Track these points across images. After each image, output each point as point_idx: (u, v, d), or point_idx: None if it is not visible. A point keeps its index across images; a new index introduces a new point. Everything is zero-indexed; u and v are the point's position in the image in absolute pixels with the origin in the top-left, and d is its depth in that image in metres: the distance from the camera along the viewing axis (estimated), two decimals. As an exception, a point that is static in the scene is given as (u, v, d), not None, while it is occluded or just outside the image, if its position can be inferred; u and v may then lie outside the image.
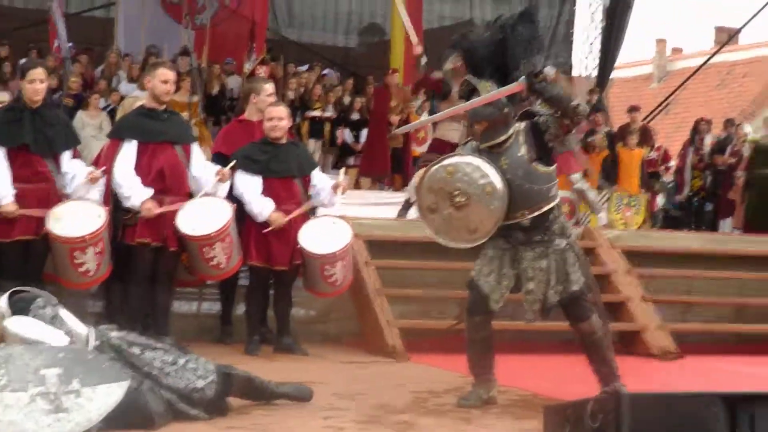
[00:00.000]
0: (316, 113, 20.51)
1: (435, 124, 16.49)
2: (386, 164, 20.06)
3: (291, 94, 19.98)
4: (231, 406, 7.16)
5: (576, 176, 16.77)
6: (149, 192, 9.79)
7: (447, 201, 7.84)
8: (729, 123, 21.83)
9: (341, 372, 9.50)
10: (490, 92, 8.01)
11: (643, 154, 19.35)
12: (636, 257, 12.94)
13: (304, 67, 23.12)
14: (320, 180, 10.77)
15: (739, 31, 30.27)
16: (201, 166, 10.23)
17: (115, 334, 6.76)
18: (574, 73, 26.13)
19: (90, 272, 9.10)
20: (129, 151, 9.93)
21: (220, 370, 6.95)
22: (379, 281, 11.31)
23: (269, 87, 11.58)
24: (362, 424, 7.21)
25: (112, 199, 9.84)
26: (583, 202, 17.31)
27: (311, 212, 10.66)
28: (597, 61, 25.44)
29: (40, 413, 5.85)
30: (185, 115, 13.46)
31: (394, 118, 19.99)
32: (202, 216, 9.85)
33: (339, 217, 10.61)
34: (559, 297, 7.95)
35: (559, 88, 8.71)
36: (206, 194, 10.05)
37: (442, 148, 13.65)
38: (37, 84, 9.72)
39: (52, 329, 6.44)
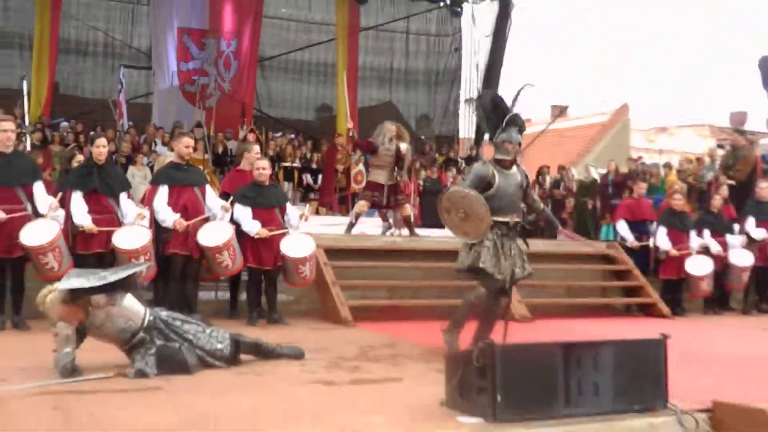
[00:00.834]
0: (288, 164, 20.60)
1: (367, 170, 16.76)
2: (334, 198, 20.29)
3: (271, 152, 20.07)
4: (242, 361, 7.33)
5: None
6: (178, 215, 10.13)
7: (455, 212, 8.09)
8: (562, 168, 22.18)
9: (311, 335, 9.60)
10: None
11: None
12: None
13: (279, 134, 23.27)
14: (291, 210, 11.15)
15: (566, 108, 30.65)
16: (213, 200, 10.57)
17: (164, 313, 6.99)
18: (460, 135, 26.36)
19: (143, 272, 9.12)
20: (163, 192, 10.30)
21: (233, 337, 7.26)
22: (333, 276, 11.55)
23: (256, 147, 12.16)
24: (327, 368, 7.37)
25: (154, 225, 10.08)
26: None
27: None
28: (474, 128, 25.70)
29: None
30: (201, 167, 13.53)
31: (340, 167, 20.21)
32: (214, 234, 10.14)
33: (306, 233, 10.90)
34: (522, 275, 8.43)
35: None
36: (216, 219, 10.44)
37: (374, 187, 13.84)
38: (101, 148, 10.01)
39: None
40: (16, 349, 8.09)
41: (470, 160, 22.37)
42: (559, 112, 33.71)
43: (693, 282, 13.44)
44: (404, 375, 7.14)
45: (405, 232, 14.46)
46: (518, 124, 8.69)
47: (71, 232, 9.69)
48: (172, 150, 13.09)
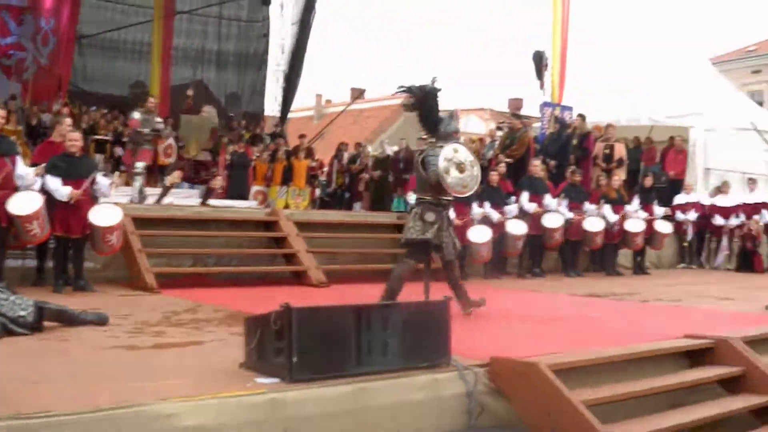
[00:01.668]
0: (100, 137, 19.77)
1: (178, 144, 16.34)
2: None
3: (84, 125, 19.18)
4: (47, 327, 6.88)
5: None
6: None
7: (454, 167, 8.38)
8: (359, 145, 22.22)
9: (116, 302, 9.22)
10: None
11: (307, 164, 19.50)
12: (303, 226, 13.09)
13: (93, 108, 22.37)
14: (101, 180, 10.53)
15: (364, 90, 30.78)
16: (23, 170, 9.83)
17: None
18: (266, 113, 26.11)
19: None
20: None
21: (37, 304, 6.82)
22: (140, 243, 11.08)
23: (68, 120, 11.65)
24: (130, 333, 7.03)
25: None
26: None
27: (96, 200, 10.39)
28: (279, 107, 25.52)
29: None
30: (13, 138, 12.75)
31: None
32: (24, 203, 9.55)
33: (114, 203, 10.45)
34: (454, 250, 8.98)
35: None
36: (27, 189, 9.70)
37: (183, 159, 13.46)
38: None
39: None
40: None
41: (275, 136, 22.07)
42: (358, 94, 33.81)
43: (474, 249, 13.67)
44: (205, 339, 6.92)
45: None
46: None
47: None
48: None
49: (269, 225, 13.15)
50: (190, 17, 26.08)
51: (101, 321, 7.31)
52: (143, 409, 4.42)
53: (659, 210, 16.71)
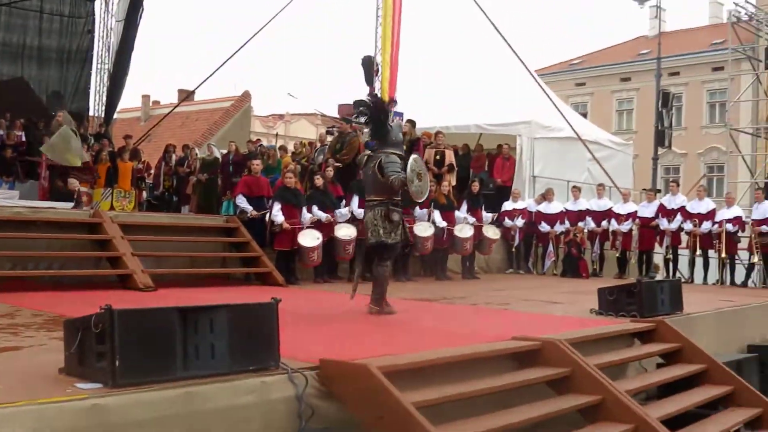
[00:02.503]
0: None
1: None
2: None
3: None
4: None
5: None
6: None
7: (416, 175, 9.37)
8: (186, 147, 21.81)
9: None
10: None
11: (133, 165, 19.02)
12: (128, 229, 12.76)
13: None
14: None
15: (192, 92, 30.26)
16: None
17: None
18: (90, 113, 25.29)
19: None
20: None
21: None
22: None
23: None
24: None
25: None
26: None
27: None
28: (104, 107, 24.80)
29: None
30: None
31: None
32: None
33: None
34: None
35: None
36: None
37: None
38: None
39: None
40: None
41: (99, 136, 21.39)
42: (186, 96, 33.25)
43: (304, 253, 13.66)
44: (23, 344, 6.62)
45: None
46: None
47: None
48: None
49: (93, 227, 12.73)
50: (9, 10, 24.96)
51: None
52: (-48, 418, 4.16)
53: (487, 216, 17.14)
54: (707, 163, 43.21)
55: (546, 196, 18.85)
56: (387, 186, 9.53)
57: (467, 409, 6.13)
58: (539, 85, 22.96)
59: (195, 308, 5.38)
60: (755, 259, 17.03)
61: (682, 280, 15.99)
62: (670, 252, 17.73)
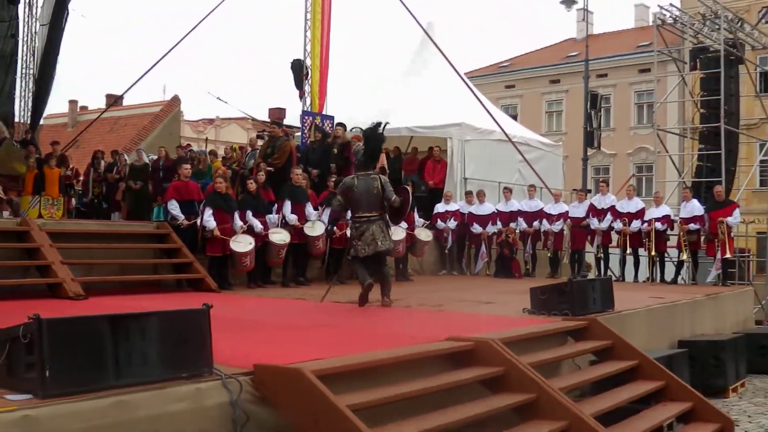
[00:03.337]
0: None
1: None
2: None
3: None
4: None
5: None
6: None
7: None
8: (115, 153, 21.54)
9: None
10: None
11: (61, 172, 18.78)
12: (57, 236, 12.58)
13: None
14: None
15: (121, 96, 29.87)
16: None
17: None
18: (16, 119, 24.80)
19: None
20: None
21: None
22: None
23: None
24: None
25: None
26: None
27: None
28: (30, 113, 24.37)
29: None
30: None
31: None
32: None
33: None
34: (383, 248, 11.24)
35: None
36: None
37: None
38: None
39: None
40: None
41: (25, 143, 21.00)
42: (114, 100, 32.80)
43: (237, 258, 13.58)
44: (-52, 355, 6.41)
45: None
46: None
47: None
48: None
49: (21, 235, 12.52)
50: (-71, 13, 24.37)
51: None
52: None
53: (420, 218, 17.21)
54: (636, 163, 43.90)
55: (477, 198, 18.99)
56: (383, 203, 11.25)
57: (403, 410, 6.14)
58: (469, 87, 23.13)
59: (125, 316, 5.31)
60: (684, 256, 17.36)
61: (613, 278, 16.27)
62: (601, 251, 18.02)
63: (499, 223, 18.65)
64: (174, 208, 14.10)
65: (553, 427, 6.76)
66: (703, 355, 11.82)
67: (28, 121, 24.22)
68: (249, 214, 14.17)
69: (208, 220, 13.62)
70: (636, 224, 17.40)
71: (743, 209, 20.48)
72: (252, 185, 14.61)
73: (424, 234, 16.92)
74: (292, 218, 14.69)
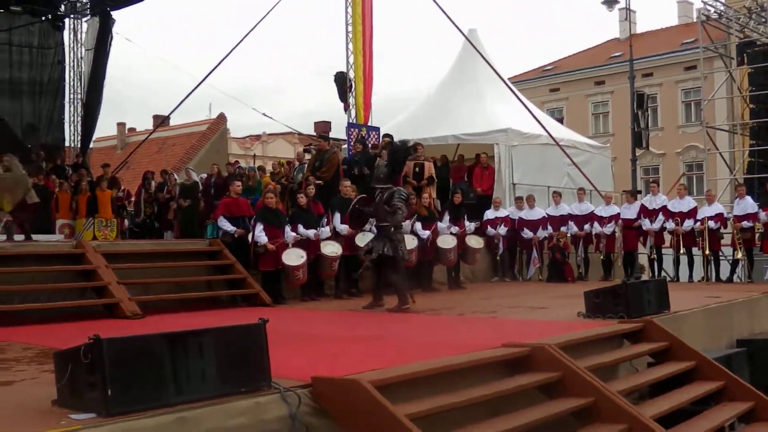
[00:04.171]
0: None
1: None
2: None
3: None
4: None
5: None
6: None
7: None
8: (165, 173, 21.74)
9: None
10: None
11: (113, 194, 19.03)
12: (112, 258, 12.76)
13: None
14: None
15: (168, 116, 30.26)
16: None
17: None
18: (66, 144, 25.23)
19: None
20: None
21: None
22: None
23: None
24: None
25: None
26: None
27: None
28: (80, 137, 24.81)
29: None
30: None
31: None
32: None
33: None
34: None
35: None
36: None
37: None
38: None
39: None
40: None
41: (77, 166, 21.35)
42: (161, 121, 33.23)
43: (289, 272, 13.67)
44: (15, 378, 6.60)
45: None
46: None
47: None
48: None
49: (77, 258, 12.72)
50: (-23, 45, 24.89)
51: None
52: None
53: (470, 225, 17.19)
54: (686, 161, 43.43)
55: (527, 203, 18.91)
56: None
57: (460, 418, 6.15)
58: (513, 92, 23.11)
59: (183, 333, 5.39)
60: (739, 255, 17.12)
61: (668, 279, 16.09)
62: (654, 252, 17.81)
63: (549, 227, 18.54)
64: (224, 223, 14.28)
65: (613, 431, 6.73)
66: (762, 354, 11.64)
67: (79, 146, 24.66)
68: (300, 227, 14.26)
69: (260, 235, 13.75)
70: (688, 223, 17.19)
71: (799, 204, 20.14)
72: (302, 199, 14.70)
73: (474, 241, 16.89)
74: (343, 228, 14.75)
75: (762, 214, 16.73)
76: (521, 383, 6.96)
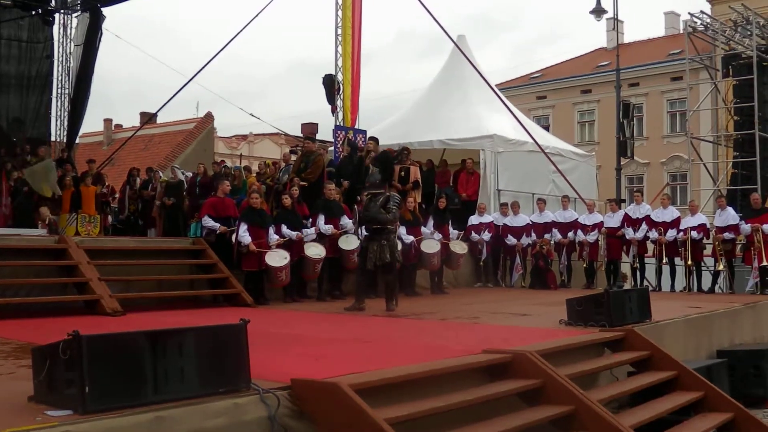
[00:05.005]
0: None
1: None
2: None
3: None
4: None
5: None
6: None
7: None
8: (150, 170, 21.66)
9: None
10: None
11: (97, 190, 18.96)
12: (94, 254, 12.68)
13: None
14: None
15: (155, 114, 30.14)
16: None
17: None
18: (52, 139, 25.09)
19: None
20: None
21: None
22: None
23: None
24: None
25: None
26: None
27: None
28: (66, 132, 24.67)
29: None
30: None
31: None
32: None
33: None
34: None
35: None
36: None
37: None
38: None
39: None
40: None
41: (62, 161, 21.21)
42: (148, 118, 33.10)
43: (272, 273, 13.61)
44: (-9, 373, 6.50)
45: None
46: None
47: None
48: None
49: (59, 253, 12.62)
50: (-34, 38, 24.74)
51: None
52: None
53: (454, 231, 17.17)
54: (670, 171, 43.62)
55: (512, 209, 18.91)
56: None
57: (441, 423, 6.12)
58: (501, 99, 23.12)
59: (163, 332, 5.34)
60: (720, 266, 17.16)
61: (650, 288, 16.11)
62: (637, 261, 17.85)
63: (533, 234, 18.57)
64: (209, 222, 14.22)
65: (592, 439, 6.70)
66: (742, 365, 11.66)
67: (65, 140, 24.52)
68: (284, 228, 14.21)
69: (243, 235, 13.67)
70: (671, 233, 17.24)
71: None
72: (287, 200, 14.65)
73: (458, 246, 16.87)
74: (327, 228, 14.71)
75: (744, 226, 16.79)
76: (502, 390, 6.93)
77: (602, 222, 18.32)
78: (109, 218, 20.44)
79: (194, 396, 5.25)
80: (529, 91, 49.43)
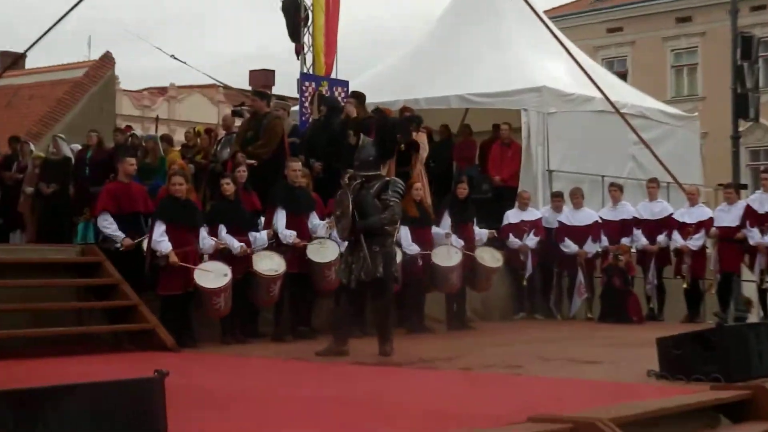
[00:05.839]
0: None
1: None
2: None
3: None
4: None
5: None
6: None
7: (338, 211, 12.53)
8: (14, 140, 21.52)
9: None
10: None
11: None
12: None
13: None
14: None
15: (22, 55, 30.09)
16: None
17: None
18: None
19: None
20: None
21: None
22: None
23: None
24: None
25: None
26: None
27: None
28: None
29: None
30: None
31: None
32: None
33: None
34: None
35: None
36: None
37: None
38: None
39: None
40: None
41: None
42: (13, 60, 33.00)
43: (205, 297, 13.51)
44: None
45: None
46: None
47: None
48: None
49: None
50: None
51: None
52: None
53: (482, 233, 17.09)
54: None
55: (572, 200, 18.89)
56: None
57: None
58: (552, 32, 23.05)
59: (36, 391, 5.28)
60: None
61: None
62: (767, 279, 17.77)
63: (604, 238, 18.54)
64: (108, 224, 14.08)
65: None
66: None
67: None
68: (222, 229, 14.15)
69: (161, 240, 13.59)
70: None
71: None
72: (228, 187, 14.56)
73: (489, 256, 16.80)
74: (289, 235, 14.63)
75: None
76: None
77: (711, 219, 18.30)
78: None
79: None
80: (594, 20, 49.52)
